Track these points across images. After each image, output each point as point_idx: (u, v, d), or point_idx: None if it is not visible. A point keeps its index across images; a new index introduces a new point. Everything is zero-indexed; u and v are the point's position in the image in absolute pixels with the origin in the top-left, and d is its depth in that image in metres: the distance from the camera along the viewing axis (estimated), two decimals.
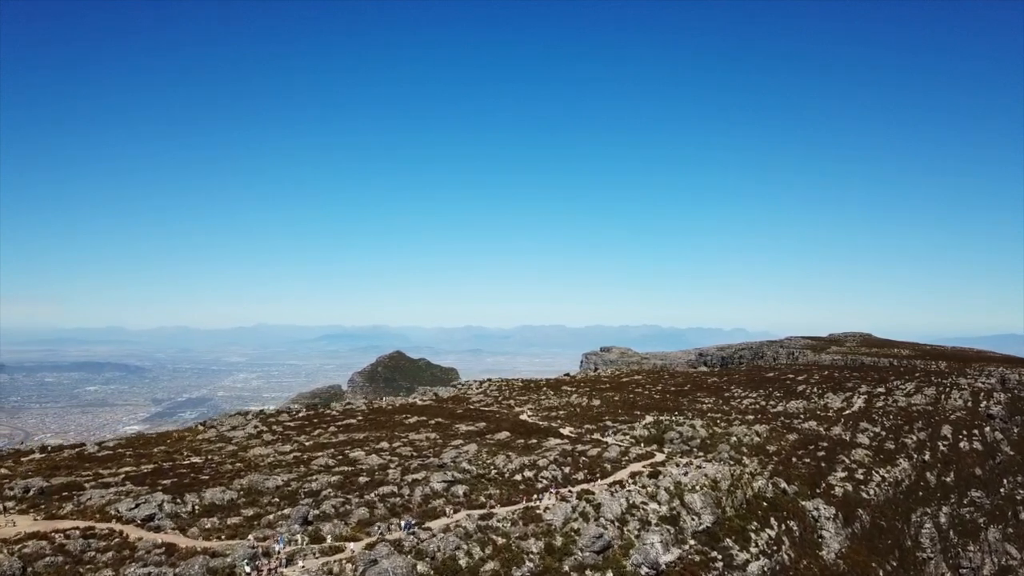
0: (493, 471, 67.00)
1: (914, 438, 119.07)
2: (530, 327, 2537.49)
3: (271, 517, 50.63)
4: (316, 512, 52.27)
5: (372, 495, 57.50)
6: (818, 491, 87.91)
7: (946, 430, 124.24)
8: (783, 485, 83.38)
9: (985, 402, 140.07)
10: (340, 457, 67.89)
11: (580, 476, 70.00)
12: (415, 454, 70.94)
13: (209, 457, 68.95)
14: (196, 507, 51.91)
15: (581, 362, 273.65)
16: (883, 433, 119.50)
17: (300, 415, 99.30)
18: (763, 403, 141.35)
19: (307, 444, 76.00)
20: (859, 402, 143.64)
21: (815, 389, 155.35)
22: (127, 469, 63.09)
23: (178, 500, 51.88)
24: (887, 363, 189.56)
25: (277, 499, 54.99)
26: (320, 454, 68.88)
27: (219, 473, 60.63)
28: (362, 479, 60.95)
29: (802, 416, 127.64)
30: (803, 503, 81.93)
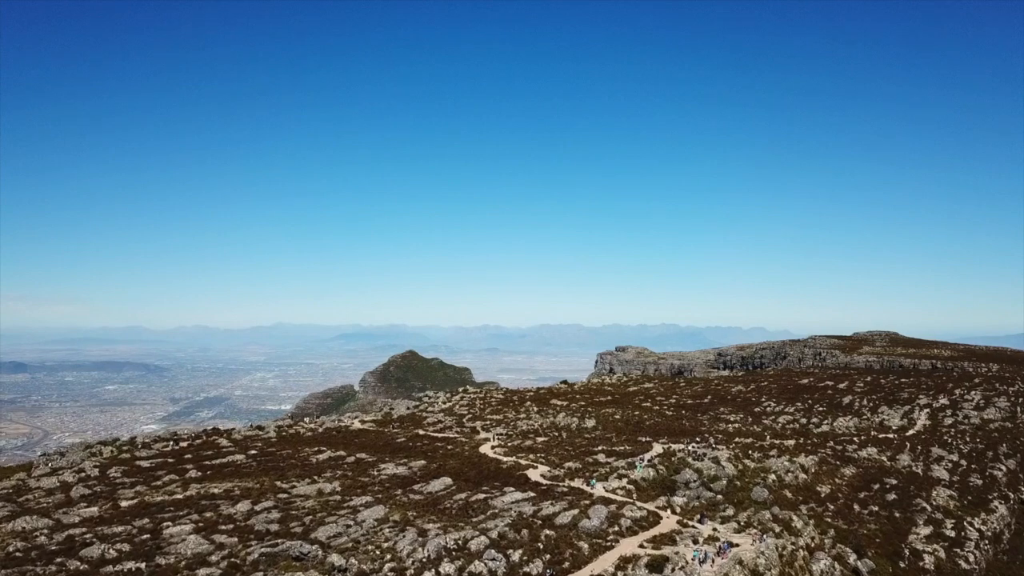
0: (387, 563, 40.55)
1: (1003, 468, 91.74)
2: (548, 326, 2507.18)
3: None
4: None
5: None
6: (901, 563, 60.55)
7: None
8: (852, 560, 56.23)
9: None
10: (144, 537, 41.64)
11: (536, 567, 43.38)
12: (275, 528, 44.47)
13: None
14: None
15: (596, 362, 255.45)
16: (963, 463, 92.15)
17: (175, 447, 73.32)
18: (803, 421, 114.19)
19: (124, 504, 49.52)
20: (922, 418, 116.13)
21: (864, 401, 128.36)
22: None
23: None
24: (929, 365, 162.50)
25: None
26: (118, 530, 42.66)
27: None
28: None
29: (856, 440, 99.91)
30: None
